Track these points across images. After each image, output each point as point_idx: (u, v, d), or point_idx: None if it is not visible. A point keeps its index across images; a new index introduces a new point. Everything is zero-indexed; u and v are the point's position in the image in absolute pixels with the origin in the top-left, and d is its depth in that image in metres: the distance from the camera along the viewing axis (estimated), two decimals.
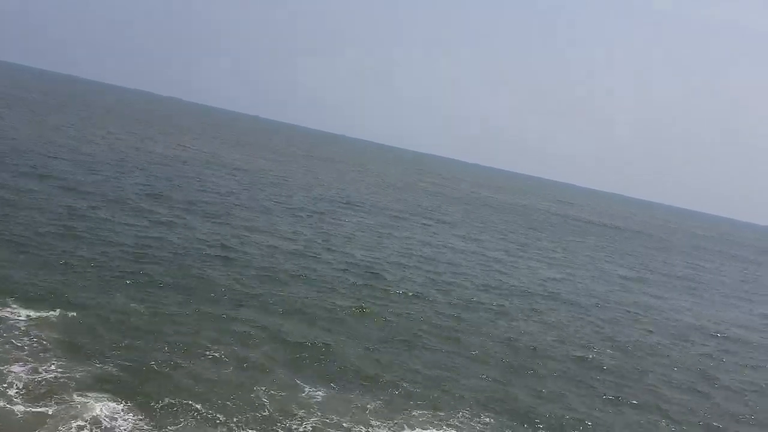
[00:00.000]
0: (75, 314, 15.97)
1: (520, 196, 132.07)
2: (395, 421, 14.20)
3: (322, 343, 17.59)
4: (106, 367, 13.79)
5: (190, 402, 13.04)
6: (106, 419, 11.91)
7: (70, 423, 11.53)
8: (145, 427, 11.92)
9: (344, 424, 13.58)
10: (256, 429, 12.68)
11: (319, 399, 14.42)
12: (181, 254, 23.26)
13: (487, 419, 15.23)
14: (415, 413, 14.78)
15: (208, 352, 15.42)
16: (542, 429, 15.42)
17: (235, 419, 12.77)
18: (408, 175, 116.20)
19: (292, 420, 13.26)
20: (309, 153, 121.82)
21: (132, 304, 17.35)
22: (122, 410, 12.31)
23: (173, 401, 12.99)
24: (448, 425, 14.59)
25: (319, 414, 13.73)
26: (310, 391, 14.76)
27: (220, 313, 18.24)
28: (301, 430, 13.02)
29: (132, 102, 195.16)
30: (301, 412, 13.62)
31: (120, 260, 20.94)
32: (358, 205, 48.81)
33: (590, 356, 21.69)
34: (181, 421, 12.33)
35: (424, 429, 14.20)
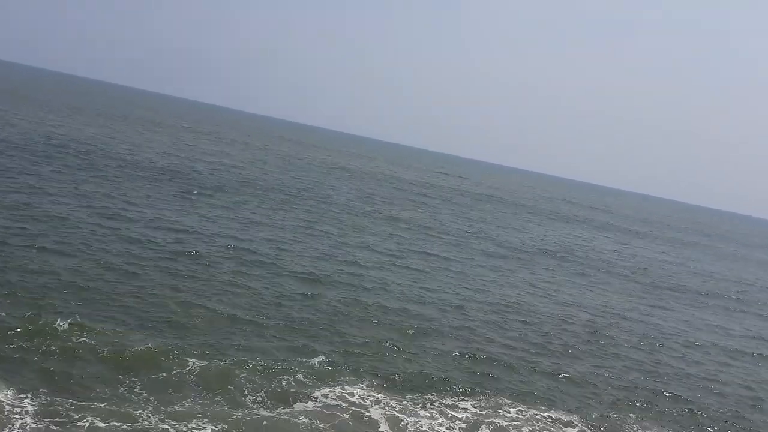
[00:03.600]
0: None
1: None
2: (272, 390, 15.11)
3: (188, 324, 17.88)
4: None
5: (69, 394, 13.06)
6: None
7: None
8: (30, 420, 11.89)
9: (222, 404, 14.12)
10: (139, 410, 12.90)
11: (197, 380, 14.83)
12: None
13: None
14: (287, 382, 15.67)
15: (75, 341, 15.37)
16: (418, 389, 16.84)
17: (111, 407, 12.93)
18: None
19: (178, 399, 13.78)
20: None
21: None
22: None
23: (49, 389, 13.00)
24: (332, 391, 15.57)
25: (201, 393, 14.32)
26: (191, 370, 15.16)
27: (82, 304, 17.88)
28: (187, 406, 13.54)
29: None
30: (184, 393, 14.16)
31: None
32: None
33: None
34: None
35: (304, 402, 15.00)
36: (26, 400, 12.45)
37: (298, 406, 14.59)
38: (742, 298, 44.04)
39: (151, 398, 13.59)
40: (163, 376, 14.56)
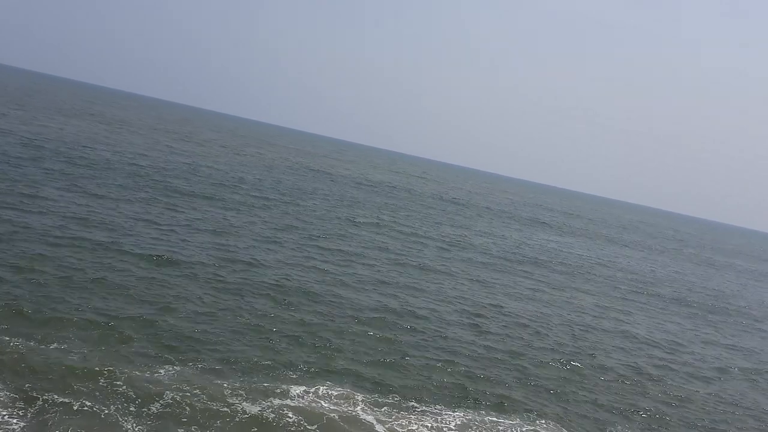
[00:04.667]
0: None
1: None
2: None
3: (166, 330, 17.46)
4: None
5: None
6: None
7: None
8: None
9: (205, 406, 13.98)
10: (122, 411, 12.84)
11: (178, 383, 14.53)
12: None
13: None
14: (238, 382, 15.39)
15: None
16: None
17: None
18: None
19: (159, 403, 13.50)
20: None
21: None
22: None
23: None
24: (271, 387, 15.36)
25: (182, 396, 13.99)
26: (170, 374, 14.92)
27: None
28: (168, 409, 13.33)
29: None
30: (165, 397, 13.81)
31: None
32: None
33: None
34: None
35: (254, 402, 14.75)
36: (12, 415, 12.13)
37: (281, 405, 14.39)
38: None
39: (133, 398, 13.35)
40: (143, 380, 14.21)
